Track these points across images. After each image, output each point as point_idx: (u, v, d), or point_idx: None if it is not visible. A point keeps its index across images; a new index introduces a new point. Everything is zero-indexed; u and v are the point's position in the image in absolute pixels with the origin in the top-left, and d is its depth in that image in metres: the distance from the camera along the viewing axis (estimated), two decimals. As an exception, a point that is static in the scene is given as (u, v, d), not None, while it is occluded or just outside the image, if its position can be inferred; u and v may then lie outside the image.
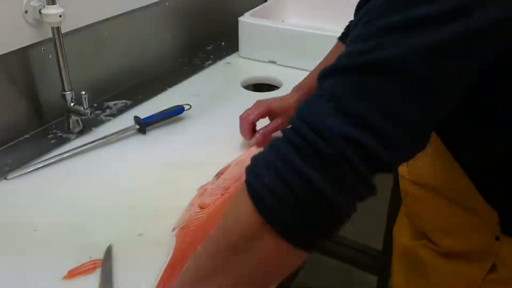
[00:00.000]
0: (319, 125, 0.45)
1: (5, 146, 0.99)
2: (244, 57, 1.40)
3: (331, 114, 0.45)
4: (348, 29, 0.97)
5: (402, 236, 0.85)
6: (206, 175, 0.89)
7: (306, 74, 1.29)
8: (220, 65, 1.38)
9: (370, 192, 0.48)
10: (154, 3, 1.27)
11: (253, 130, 0.96)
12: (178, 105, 1.09)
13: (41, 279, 0.69)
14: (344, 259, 1.68)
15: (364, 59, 0.45)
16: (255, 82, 1.33)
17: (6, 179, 0.89)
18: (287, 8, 1.54)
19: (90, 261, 0.71)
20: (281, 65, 1.34)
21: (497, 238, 0.66)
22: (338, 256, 1.68)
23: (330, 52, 0.99)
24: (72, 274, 0.69)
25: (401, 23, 0.45)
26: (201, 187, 0.85)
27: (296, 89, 0.98)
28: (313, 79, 0.97)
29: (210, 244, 0.52)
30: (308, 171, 0.45)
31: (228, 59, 1.41)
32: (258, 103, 0.96)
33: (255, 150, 0.95)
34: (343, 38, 0.98)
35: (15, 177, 0.90)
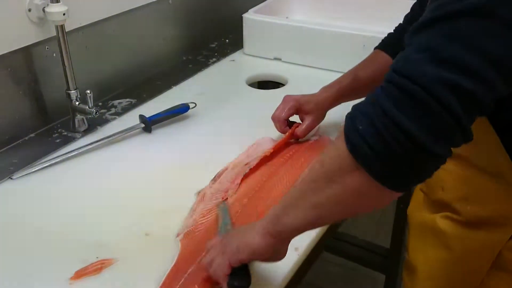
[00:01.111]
0: (416, 75, 0.47)
1: (10, 146, 0.99)
2: (248, 54, 1.39)
3: (427, 63, 0.47)
4: (388, 38, 0.97)
5: (419, 211, 0.84)
6: (212, 173, 0.89)
7: (311, 70, 1.30)
8: (224, 63, 1.37)
9: (466, 137, 0.49)
10: (158, 1, 1.26)
11: (288, 124, 0.97)
12: (183, 104, 1.09)
13: (48, 280, 0.68)
14: (352, 257, 1.67)
15: (453, 7, 0.47)
16: (260, 80, 1.32)
17: (11, 178, 0.89)
18: (291, 4, 1.53)
19: (98, 261, 0.70)
20: (286, 62, 1.33)
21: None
22: (346, 255, 1.67)
23: (367, 59, 0.98)
24: (79, 275, 0.68)
25: None
26: (199, 192, 0.84)
27: (325, 88, 0.97)
28: (344, 79, 0.96)
29: (308, 174, 0.57)
30: (406, 121, 0.46)
31: (233, 56, 1.40)
32: (286, 99, 0.97)
33: (251, 152, 0.94)
34: (383, 46, 0.97)
35: (20, 176, 0.89)
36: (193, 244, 0.72)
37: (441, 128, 0.47)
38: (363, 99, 0.52)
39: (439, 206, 0.78)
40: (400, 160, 0.48)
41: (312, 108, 0.95)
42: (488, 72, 0.47)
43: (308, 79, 1.25)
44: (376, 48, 0.98)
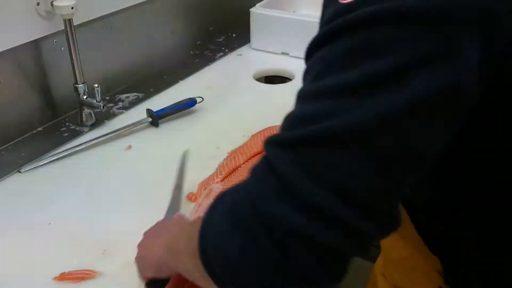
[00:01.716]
0: (264, 211, 0.39)
1: (18, 139, 1.00)
2: (256, 49, 1.39)
3: (278, 197, 0.38)
4: None
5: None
6: (220, 168, 0.89)
7: (319, 65, 1.29)
8: (231, 57, 1.37)
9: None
10: (166, -5, 1.26)
11: None
12: (190, 98, 1.09)
13: (55, 273, 0.68)
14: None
15: (313, 129, 0.38)
16: (267, 74, 1.31)
17: (19, 172, 0.89)
18: (299, -2, 1.52)
19: (82, 271, 0.69)
20: (293, 57, 1.33)
21: None
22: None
23: None
24: (62, 277, 0.68)
25: (355, 83, 0.38)
26: (204, 186, 0.85)
27: None
28: None
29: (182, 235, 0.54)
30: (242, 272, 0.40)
31: (240, 51, 1.40)
32: None
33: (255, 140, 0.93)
34: None
35: (28, 170, 0.90)
36: None
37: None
38: None
39: (380, 260, 0.76)
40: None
41: None
42: (360, 219, 0.38)
43: (316, 74, 1.25)
44: None
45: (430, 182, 0.50)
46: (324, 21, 0.42)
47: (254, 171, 0.43)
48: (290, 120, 0.42)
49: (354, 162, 0.38)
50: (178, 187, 0.80)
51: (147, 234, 0.67)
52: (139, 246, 0.66)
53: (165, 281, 0.62)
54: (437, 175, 0.48)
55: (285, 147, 0.40)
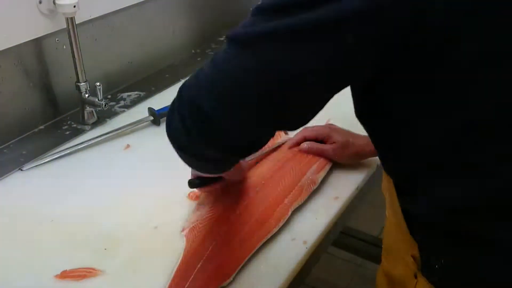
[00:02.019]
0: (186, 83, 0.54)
1: (20, 137, 1.00)
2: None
3: (194, 76, 0.53)
4: None
5: None
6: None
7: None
8: (233, 56, 1.37)
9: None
10: (167, -6, 1.26)
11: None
12: (192, 96, 1.09)
13: (56, 271, 0.69)
14: (359, 252, 1.67)
15: (231, 33, 0.51)
16: (269, 73, 1.31)
17: (21, 170, 0.89)
18: (300, -2, 1.52)
19: (84, 268, 0.69)
20: (295, 56, 1.33)
21: (415, 276, 0.62)
22: (353, 250, 1.67)
23: None
24: (63, 275, 0.68)
25: (269, 7, 0.49)
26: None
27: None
28: None
29: None
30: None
31: (242, 50, 1.40)
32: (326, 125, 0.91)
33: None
34: None
35: (30, 168, 0.90)
36: (199, 239, 0.72)
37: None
38: None
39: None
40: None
41: (338, 150, 0.86)
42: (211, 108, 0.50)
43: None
44: None
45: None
46: None
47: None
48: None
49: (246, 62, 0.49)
50: None
51: None
52: None
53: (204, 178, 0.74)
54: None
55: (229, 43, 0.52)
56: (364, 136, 0.84)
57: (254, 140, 0.56)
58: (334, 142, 0.87)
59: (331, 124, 0.92)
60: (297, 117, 0.54)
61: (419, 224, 0.60)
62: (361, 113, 0.60)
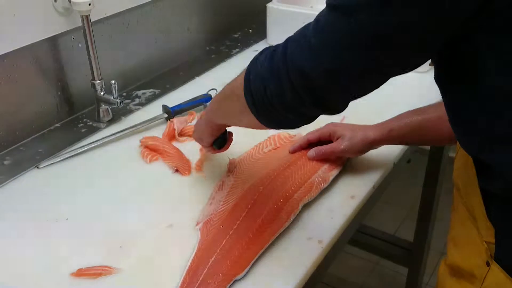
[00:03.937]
0: (280, 52, 0.57)
1: (36, 135, 1.00)
2: (272, 44, 1.37)
3: (297, 45, 0.55)
4: None
5: None
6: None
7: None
8: (247, 53, 1.36)
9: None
10: (182, -9, 1.26)
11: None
12: (205, 94, 1.08)
13: (72, 269, 0.69)
14: (375, 250, 1.65)
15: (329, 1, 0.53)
16: (284, 70, 1.30)
17: (38, 168, 0.90)
18: (315, -7, 1.50)
19: (99, 267, 0.69)
20: (310, 52, 1.31)
21: (487, 264, 0.60)
22: (369, 248, 1.66)
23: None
24: (79, 273, 0.68)
25: None
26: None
27: (375, 126, 0.86)
28: (396, 120, 0.85)
29: (223, 89, 0.74)
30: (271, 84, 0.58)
31: (256, 46, 1.39)
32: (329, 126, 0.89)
33: (263, 147, 0.93)
34: None
35: (46, 166, 0.90)
36: (213, 232, 0.73)
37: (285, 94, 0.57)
38: None
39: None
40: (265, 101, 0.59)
41: (346, 136, 0.85)
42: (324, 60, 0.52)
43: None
44: None
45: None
46: None
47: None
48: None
49: (342, 27, 0.51)
50: None
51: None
52: (194, 129, 0.84)
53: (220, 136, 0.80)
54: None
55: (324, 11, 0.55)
56: (367, 126, 0.87)
57: (355, 97, 0.58)
58: (339, 137, 0.86)
59: (331, 122, 0.90)
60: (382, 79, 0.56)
61: (497, 206, 0.59)
62: (440, 76, 0.58)
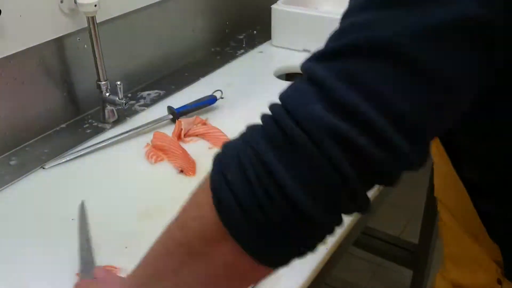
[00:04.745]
0: (300, 112, 0.37)
1: (42, 136, 1.01)
2: (277, 46, 1.38)
3: (316, 100, 0.37)
4: None
5: None
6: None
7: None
8: (252, 54, 1.37)
9: (359, 204, 0.38)
10: (187, -8, 1.26)
11: None
12: (210, 95, 1.09)
13: (78, 268, 0.69)
14: (380, 252, 1.65)
15: (350, 39, 0.38)
16: (288, 72, 1.30)
17: (43, 168, 0.90)
18: (320, -5, 1.50)
19: (104, 267, 0.68)
20: (315, 54, 1.31)
21: (499, 282, 0.58)
22: (374, 250, 1.65)
23: None
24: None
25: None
26: None
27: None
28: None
29: (165, 239, 0.46)
30: (281, 171, 0.36)
31: (261, 48, 1.39)
32: None
33: None
34: None
35: (52, 166, 0.91)
36: None
37: (323, 187, 0.36)
38: None
39: (442, 261, 0.73)
40: (275, 224, 0.37)
41: None
42: (386, 125, 0.36)
43: (337, 71, 1.24)
44: None
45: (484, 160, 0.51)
46: None
47: (289, 85, 0.41)
48: (328, 38, 0.41)
49: (393, 73, 0.37)
50: (86, 240, 0.73)
51: None
52: None
53: None
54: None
55: (321, 59, 0.40)
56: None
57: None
58: None
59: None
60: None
61: (499, 225, 0.56)
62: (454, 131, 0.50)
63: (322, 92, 0.37)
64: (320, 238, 0.40)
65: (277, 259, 0.40)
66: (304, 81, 0.40)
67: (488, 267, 0.60)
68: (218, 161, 0.41)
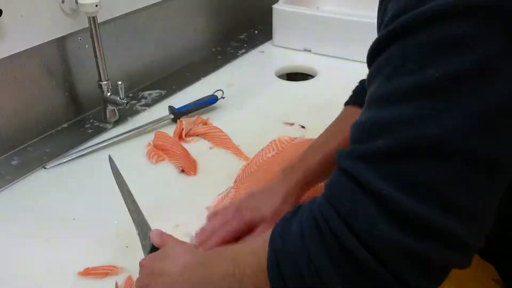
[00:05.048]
0: (359, 228, 0.36)
1: (44, 136, 1.01)
2: (278, 46, 1.38)
3: (377, 216, 0.35)
4: (358, 92, 0.77)
5: None
6: (241, 165, 0.89)
7: (341, 62, 1.28)
8: (253, 54, 1.37)
9: None
10: (188, -8, 1.26)
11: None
12: (212, 95, 1.09)
13: (79, 268, 0.69)
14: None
15: (405, 138, 0.35)
16: (290, 71, 1.30)
17: (45, 168, 0.90)
18: (321, -5, 1.50)
19: (106, 266, 0.69)
20: (316, 53, 1.32)
21: None
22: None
23: (338, 120, 0.76)
24: (86, 272, 0.68)
25: (437, 83, 0.34)
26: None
27: (285, 175, 0.70)
28: (311, 162, 0.70)
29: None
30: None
31: (262, 47, 1.39)
32: (228, 215, 0.68)
33: (267, 153, 0.91)
34: (352, 101, 0.77)
35: (53, 166, 0.91)
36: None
37: None
38: None
39: None
40: None
41: (262, 220, 0.66)
42: (463, 231, 0.35)
43: (339, 71, 1.24)
44: (346, 103, 0.77)
45: None
46: (389, 16, 0.38)
47: (335, 186, 0.39)
48: (365, 129, 0.38)
49: (454, 171, 0.34)
50: (134, 206, 0.69)
51: (147, 276, 0.59)
52: None
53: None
54: None
55: (370, 162, 0.36)
56: (269, 190, 0.69)
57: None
58: (263, 221, 0.66)
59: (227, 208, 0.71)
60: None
61: (489, 247, 0.56)
62: None
63: (382, 206, 0.35)
64: None
65: None
66: (357, 191, 0.37)
67: (486, 285, 0.58)
68: (275, 248, 0.41)
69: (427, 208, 0.34)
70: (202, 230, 0.68)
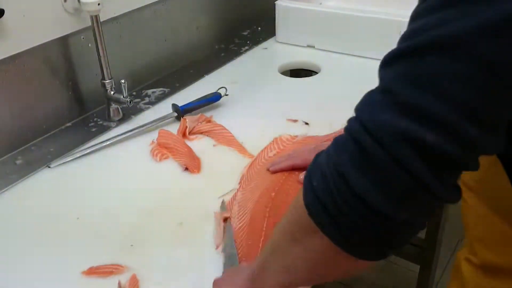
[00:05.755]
0: (371, 123, 0.39)
1: (47, 135, 1.01)
2: (281, 42, 1.38)
3: (385, 109, 0.39)
4: None
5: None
6: (245, 162, 0.89)
7: (345, 58, 1.27)
8: (257, 51, 1.36)
9: (441, 200, 0.40)
10: (190, -11, 1.26)
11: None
12: (215, 92, 1.08)
13: (83, 267, 0.69)
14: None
15: (421, 39, 0.39)
16: (293, 68, 1.30)
17: (49, 167, 0.91)
18: (324, -10, 1.50)
19: (110, 265, 0.69)
20: (319, 49, 1.31)
21: None
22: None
23: None
24: (90, 272, 0.68)
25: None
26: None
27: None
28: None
29: (277, 229, 0.53)
30: (358, 181, 0.39)
31: (265, 44, 1.39)
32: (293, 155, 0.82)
33: (268, 152, 0.91)
34: None
35: (57, 165, 0.91)
36: (244, 251, 0.70)
37: (401, 192, 0.39)
38: None
39: (465, 244, 0.73)
40: (357, 226, 0.41)
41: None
42: (457, 120, 0.37)
43: (342, 67, 1.23)
44: None
45: None
46: None
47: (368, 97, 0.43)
48: (398, 41, 0.42)
49: (458, 68, 0.37)
50: (229, 238, 0.72)
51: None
52: None
53: None
54: None
55: (389, 63, 0.41)
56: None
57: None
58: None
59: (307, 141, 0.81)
60: None
61: None
62: None
63: (388, 98, 0.39)
64: (408, 234, 0.42)
65: (366, 251, 0.43)
66: (375, 89, 0.42)
67: None
68: (308, 170, 0.46)
69: (428, 98, 0.38)
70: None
